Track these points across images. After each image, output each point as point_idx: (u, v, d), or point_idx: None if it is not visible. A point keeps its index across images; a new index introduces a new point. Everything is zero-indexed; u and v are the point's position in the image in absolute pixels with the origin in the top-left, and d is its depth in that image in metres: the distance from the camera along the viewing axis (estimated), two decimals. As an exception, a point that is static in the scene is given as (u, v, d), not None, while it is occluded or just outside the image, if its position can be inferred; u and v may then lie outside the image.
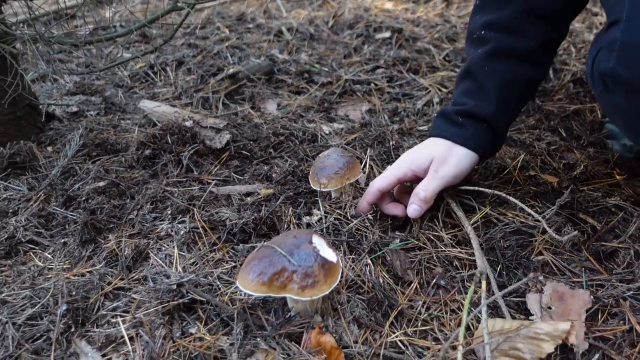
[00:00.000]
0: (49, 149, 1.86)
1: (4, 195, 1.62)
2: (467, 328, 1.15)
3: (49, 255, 1.41)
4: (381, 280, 1.25)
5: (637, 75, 1.08)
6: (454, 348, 1.10)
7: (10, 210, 1.56)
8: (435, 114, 1.51)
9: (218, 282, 1.27)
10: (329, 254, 1.10)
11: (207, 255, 1.35)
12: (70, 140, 1.77)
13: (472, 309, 1.17)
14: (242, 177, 1.66)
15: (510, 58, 1.43)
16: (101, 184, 1.60)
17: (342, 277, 1.23)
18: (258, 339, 1.11)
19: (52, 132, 1.94)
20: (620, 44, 1.09)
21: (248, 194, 1.56)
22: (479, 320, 1.15)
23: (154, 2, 3.43)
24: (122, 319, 1.18)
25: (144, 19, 1.73)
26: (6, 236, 1.45)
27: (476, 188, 1.44)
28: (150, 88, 2.33)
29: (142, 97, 2.24)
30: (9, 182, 1.67)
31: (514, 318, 1.17)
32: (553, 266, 1.30)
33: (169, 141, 1.74)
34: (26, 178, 1.68)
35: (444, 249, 1.35)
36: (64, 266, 1.37)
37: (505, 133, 1.50)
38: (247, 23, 2.96)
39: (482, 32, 1.47)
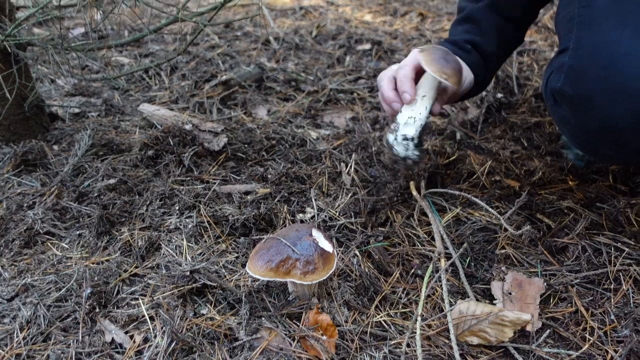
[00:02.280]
0: (55, 147, 1.99)
1: (19, 190, 1.75)
2: (442, 310, 1.36)
3: (66, 245, 1.56)
4: (367, 270, 1.44)
5: (579, 93, 1.29)
6: (430, 326, 1.30)
7: (26, 204, 1.69)
8: (440, 41, 1.75)
9: (224, 270, 1.44)
10: (326, 245, 1.28)
11: (212, 247, 1.52)
12: (80, 139, 1.91)
13: (438, 284, 1.37)
14: (239, 177, 1.83)
15: (504, 15, 1.70)
16: (111, 181, 1.75)
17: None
18: (263, 318, 1.29)
19: (56, 132, 2.07)
20: (567, 68, 1.31)
21: (247, 193, 1.73)
22: (452, 305, 1.35)
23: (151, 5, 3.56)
24: (142, 300, 1.34)
25: (147, 25, 1.88)
26: (25, 227, 1.59)
27: (447, 190, 1.67)
28: (146, 91, 2.48)
29: (138, 100, 2.39)
30: (22, 178, 1.80)
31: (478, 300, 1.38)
32: (514, 258, 1.51)
33: (171, 143, 1.90)
34: (38, 175, 1.82)
35: (419, 246, 1.56)
36: (83, 255, 1.52)
37: (491, 78, 1.80)
38: (235, 31, 3.12)
39: None
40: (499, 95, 2.35)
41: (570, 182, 1.82)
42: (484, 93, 2.38)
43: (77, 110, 2.25)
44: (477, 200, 1.59)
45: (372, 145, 1.97)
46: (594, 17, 1.31)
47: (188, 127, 1.96)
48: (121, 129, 2.13)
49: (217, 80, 2.41)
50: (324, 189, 1.75)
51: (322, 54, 2.85)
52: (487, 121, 2.26)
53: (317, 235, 1.30)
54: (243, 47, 2.86)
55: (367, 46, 2.90)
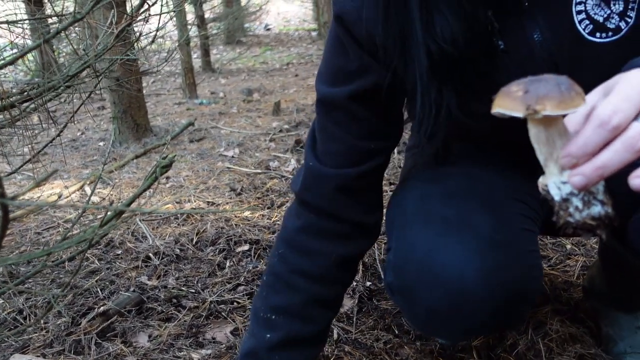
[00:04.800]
0: None
1: None
2: None
3: None
4: None
5: (403, 285, 1.49)
6: None
7: None
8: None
9: None
10: None
11: None
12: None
13: None
14: None
15: (300, 344, 1.66)
16: None
17: None
18: None
19: None
20: (392, 264, 1.52)
21: None
22: None
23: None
24: None
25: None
26: None
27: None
28: (20, 334, 2.40)
29: (11, 346, 2.30)
30: None
31: None
32: None
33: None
34: None
35: None
36: None
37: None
38: (116, 249, 3.18)
39: (271, 316, 1.66)
40: (368, 283, 2.53)
41: (438, 368, 1.95)
42: (354, 283, 2.55)
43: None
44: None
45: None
46: (407, 220, 1.55)
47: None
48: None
49: (94, 313, 2.40)
50: None
51: (202, 261, 2.96)
52: (361, 311, 2.40)
53: None
54: (123, 268, 2.90)
55: (246, 247, 3.06)
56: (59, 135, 2.48)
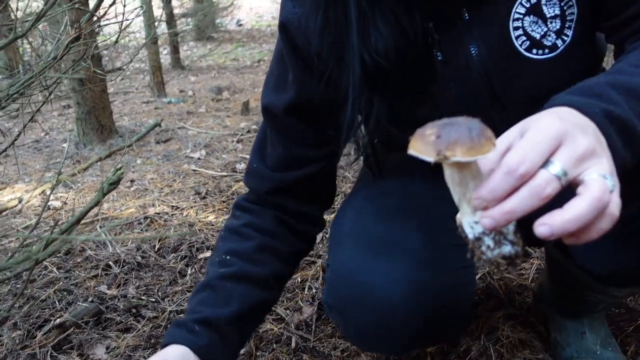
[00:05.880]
0: None
1: None
2: None
3: None
4: None
5: (336, 304, 1.54)
6: None
7: None
8: (170, 325, 1.58)
9: None
10: None
11: None
12: None
13: None
14: None
15: (248, 281, 1.61)
16: None
17: None
18: None
19: None
20: (327, 282, 1.57)
21: None
22: None
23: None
24: None
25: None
26: None
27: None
28: (-26, 350, 2.36)
29: (-36, 361, 2.26)
30: None
31: None
32: None
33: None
34: None
35: None
36: None
37: (236, 352, 1.62)
38: (76, 256, 3.14)
39: (226, 257, 1.65)
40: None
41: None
42: (313, 290, 2.58)
43: None
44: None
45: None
46: (341, 239, 1.60)
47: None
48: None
49: (51, 325, 2.37)
50: None
51: (164, 269, 2.95)
52: (320, 319, 2.42)
53: None
54: (82, 277, 2.87)
55: (209, 254, 3.05)
56: (16, 139, 2.44)
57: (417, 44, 1.34)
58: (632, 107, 1.04)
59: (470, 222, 0.91)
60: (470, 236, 0.92)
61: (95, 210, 3.97)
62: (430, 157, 0.83)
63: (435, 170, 0.98)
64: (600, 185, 0.86)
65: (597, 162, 0.89)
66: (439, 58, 1.41)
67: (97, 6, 1.56)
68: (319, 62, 1.42)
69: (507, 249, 0.90)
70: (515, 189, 0.86)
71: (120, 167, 1.65)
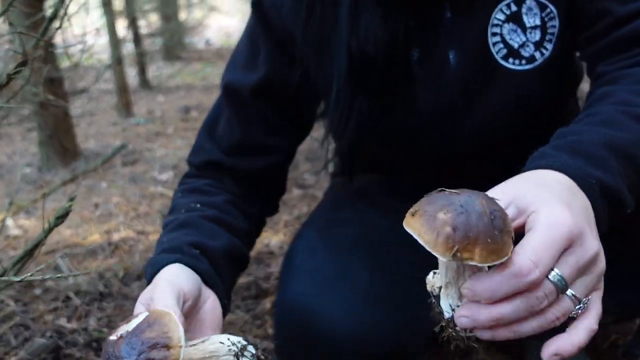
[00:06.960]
0: None
1: None
2: None
3: None
4: None
5: (282, 343, 1.47)
6: None
7: None
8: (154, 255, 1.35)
9: None
10: None
11: None
12: None
13: None
14: None
15: (228, 229, 1.45)
16: None
17: None
18: None
19: None
20: (274, 320, 1.53)
21: None
22: None
23: None
24: None
25: None
26: None
27: None
28: None
29: None
30: None
31: None
32: None
33: None
34: None
35: None
36: None
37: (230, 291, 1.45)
38: (35, 288, 3.00)
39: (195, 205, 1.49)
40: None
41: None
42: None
43: None
44: None
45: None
46: (289, 275, 1.51)
47: None
48: None
49: (5, 364, 2.24)
50: None
51: (128, 298, 2.83)
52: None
53: None
54: (40, 311, 2.74)
55: (174, 280, 2.95)
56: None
57: (399, 38, 1.32)
58: (627, 175, 1.01)
59: (452, 304, 0.86)
60: (447, 315, 0.87)
61: (57, 238, 3.83)
62: (441, 254, 0.71)
63: (397, 208, 0.94)
64: (594, 316, 0.91)
65: (590, 274, 0.87)
66: (415, 57, 1.38)
67: (44, 31, 1.47)
68: (300, 50, 1.40)
69: (485, 334, 0.85)
70: (514, 294, 0.79)
71: (73, 198, 1.56)
